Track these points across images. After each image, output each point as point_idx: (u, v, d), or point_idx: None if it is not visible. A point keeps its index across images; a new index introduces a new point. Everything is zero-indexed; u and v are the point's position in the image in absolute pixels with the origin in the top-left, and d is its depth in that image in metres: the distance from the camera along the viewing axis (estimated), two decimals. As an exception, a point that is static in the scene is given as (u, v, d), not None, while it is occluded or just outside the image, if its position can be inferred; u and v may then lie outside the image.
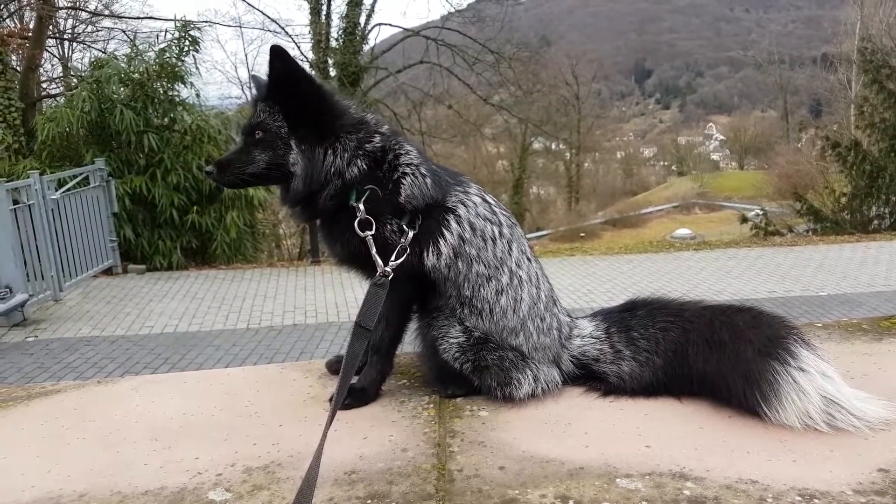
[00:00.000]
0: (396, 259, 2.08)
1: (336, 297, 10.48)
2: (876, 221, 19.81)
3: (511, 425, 1.99)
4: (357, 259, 2.20)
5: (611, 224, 53.75)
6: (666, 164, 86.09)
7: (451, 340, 2.15)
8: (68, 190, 10.76)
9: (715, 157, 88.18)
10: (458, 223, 2.15)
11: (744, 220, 22.54)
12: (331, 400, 2.15)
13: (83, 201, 11.09)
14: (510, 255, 2.20)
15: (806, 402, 1.83)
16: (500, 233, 2.21)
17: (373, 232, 2.08)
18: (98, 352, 8.16)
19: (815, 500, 1.54)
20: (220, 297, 10.66)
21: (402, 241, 2.10)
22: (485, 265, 2.15)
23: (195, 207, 13.03)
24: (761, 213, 23.11)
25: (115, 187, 12.06)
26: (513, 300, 2.17)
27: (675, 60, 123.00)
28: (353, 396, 2.14)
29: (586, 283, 11.25)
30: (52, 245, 10.01)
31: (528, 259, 2.27)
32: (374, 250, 2.06)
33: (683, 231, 43.23)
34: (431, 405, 2.16)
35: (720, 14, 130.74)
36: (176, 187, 12.90)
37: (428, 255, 2.14)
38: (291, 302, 10.37)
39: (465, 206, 2.19)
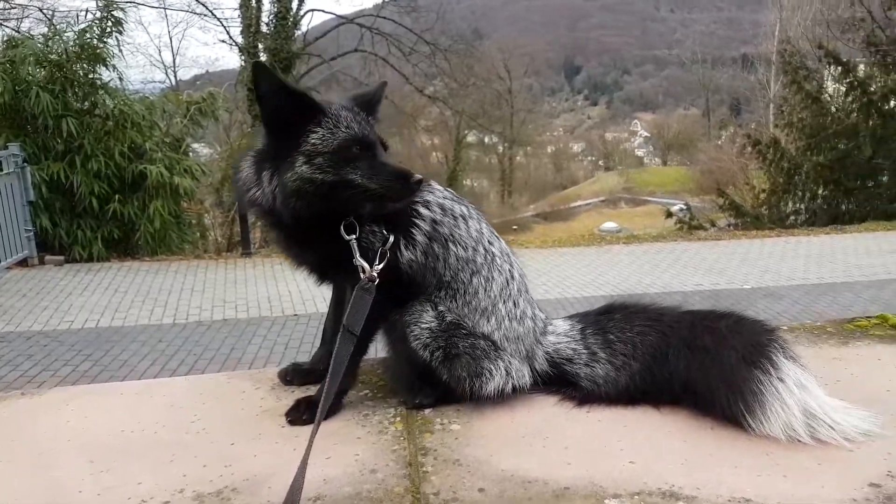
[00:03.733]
0: (379, 263, 1.99)
1: (269, 290, 10.17)
2: (793, 217, 20.67)
3: (486, 440, 1.87)
4: (333, 265, 2.09)
5: (542, 217, 54.58)
6: (593, 159, 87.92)
7: (424, 326, 2.05)
8: (-22, 176, 10.10)
9: (640, 153, 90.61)
10: (427, 208, 2.11)
11: (668, 214, 23.15)
12: (287, 415, 2.02)
13: (-5, 188, 10.42)
14: (482, 233, 2.18)
15: (789, 415, 1.79)
16: (469, 213, 2.19)
17: (356, 236, 1.99)
18: (13, 349, 7.65)
19: (812, 519, 1.48)
20: (144, 290, 10.18)
21: (384, 246, 2.02)
22: (462, 247, 2.11)
23: (117, 196, 12.39)
24: (685, 207, 23.79)
25: (31, 174, 11.35)
26: (484, 279, 2.12)
27: (603, 57, 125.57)
28: (311, 411, 1.97)
29: (522, 277, 11.28)
30: (-39, 235, 9.38)
31: (497, 238, 2.25)
32: (357, 254, 1.97)
33: (610, 224, 44.31)
34: (398, 418, 2.02)
35: (647, 13, 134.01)
36: (97, 175, 12.23)
37: (402, 250, 2.05)
38: (221, 296, 10.00)
39: (431, 192, 2.16)
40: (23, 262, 11.18)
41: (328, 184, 1.92)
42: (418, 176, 1.93)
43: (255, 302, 9.68)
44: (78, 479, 1.71)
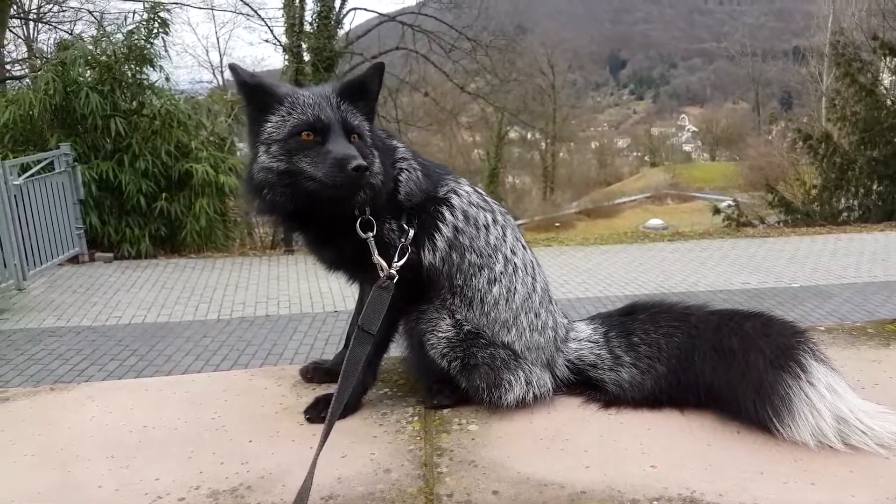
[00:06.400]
0: (399, 260, 1.96)
1: (310, 286, 10.27)
2: (845, 213, 20.04)
3: (503, 441, 1.83)
4: (352, 263, 2.07)
5: (585, 214, 53.98)
6: (639, 154, 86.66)
7: (441, 335, 2.02)
8: (32, 175, 10.44)
9: (687, 147, 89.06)
10: (451, 214, 2.07)
11: (716, 211, 22.64)
12: (305, 413, 2.01)
13: (48, 187, 10.76)
14: (504, 241, 2.12)
15: (819, 420, 1.71)
16: (494, 219, 2.13)
17: (374, 233, 1.95)
18: (63, 343, 7.89)
19: (840, 530, 1.41)
20: (190, 286, 10.39)
21: (403, 240, 1.99)
22: (477, 254, 2.05)
23: (164, 194, 12.68)
24: (733, 203, 23.24)
25: (81, 173, 11.69)
26: (506, 290, 2.06)
27: (650, 51, 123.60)
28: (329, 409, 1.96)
29: (562, 274, 11.17)
30: (15, 232, 9.72)
31: (523, 247, 2.18)
32: (376, 252, 1.94)
33: (656, 221, 43.59)
34: (416, 418, 1.99)
35: (694, 5, 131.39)
36: (144, 173, 12.54)
37: (425, 252, 2.02)
38: (264, 292, 10.14)
39: (457, 194, 2.10)
40: (74, 259, 11.52)
41: (284, 172, 1.86)
42: (356, 163, 1.77)
43: (297, 298, 9.80)
44: (98, 475, 1.73)
